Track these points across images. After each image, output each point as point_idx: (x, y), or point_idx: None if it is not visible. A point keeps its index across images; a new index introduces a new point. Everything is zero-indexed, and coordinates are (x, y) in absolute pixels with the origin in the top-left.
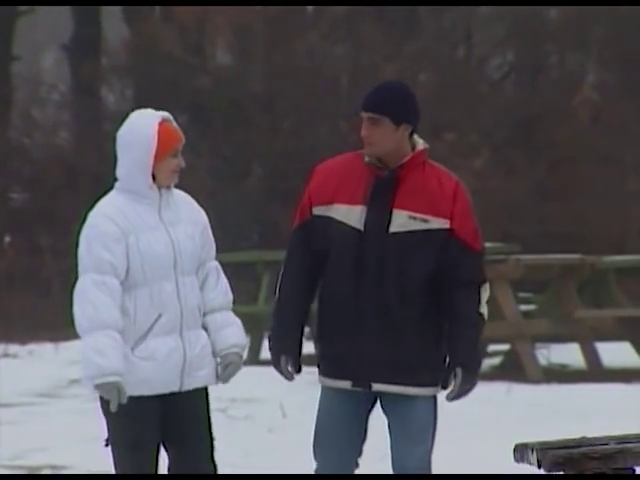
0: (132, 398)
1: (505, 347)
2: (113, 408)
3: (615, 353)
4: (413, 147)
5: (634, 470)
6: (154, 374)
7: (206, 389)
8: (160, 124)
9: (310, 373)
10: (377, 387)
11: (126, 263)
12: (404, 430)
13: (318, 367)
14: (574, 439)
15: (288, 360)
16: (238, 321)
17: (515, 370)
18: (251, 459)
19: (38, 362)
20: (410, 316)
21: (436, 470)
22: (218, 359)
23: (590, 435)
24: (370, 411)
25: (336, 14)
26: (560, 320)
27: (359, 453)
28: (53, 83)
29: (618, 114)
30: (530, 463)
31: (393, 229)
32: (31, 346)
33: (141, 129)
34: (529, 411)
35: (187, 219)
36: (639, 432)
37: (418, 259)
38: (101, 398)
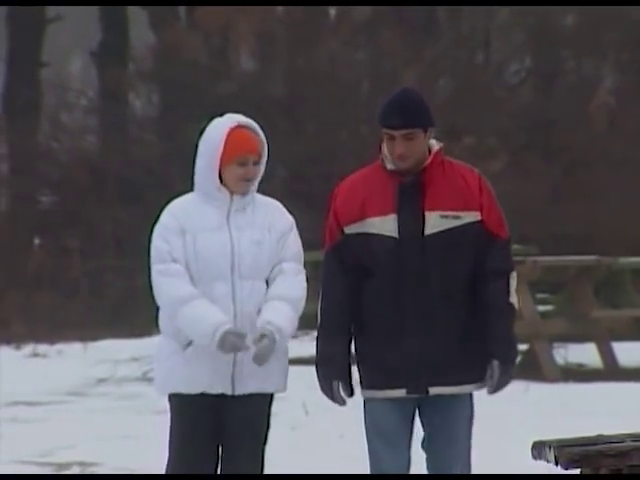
0: (181, 395)
1: (523, 347)
2: (244, 350)
3: (631, 353)
4: (429, 149)
5: None
6: (201, 374)
7: (266, 396)
8: (232, 129)
9: None
10: (434, 391)
11: (183, 257)
12: (446, 432)
13: (361, 382)
14: (590, 437)
15: (340, 385)
16: (289, 311)
17: (533, 369)
18: (274, 456)
19: (66, 361)
20: (455, 315)
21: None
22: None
23: (606, 433)
24: (413, 415)
25: (357, 20)
26: (577, 320)
27: (410, 450)
28: (81, 88)
29: (633, 118)
30: (547, 460)
31: (428, 231)
32: (59, 346)
33: (212, 133)
34: (546, 409)
35: (261, 224)
36: None
37: (458, 256)
38: (169, 398)
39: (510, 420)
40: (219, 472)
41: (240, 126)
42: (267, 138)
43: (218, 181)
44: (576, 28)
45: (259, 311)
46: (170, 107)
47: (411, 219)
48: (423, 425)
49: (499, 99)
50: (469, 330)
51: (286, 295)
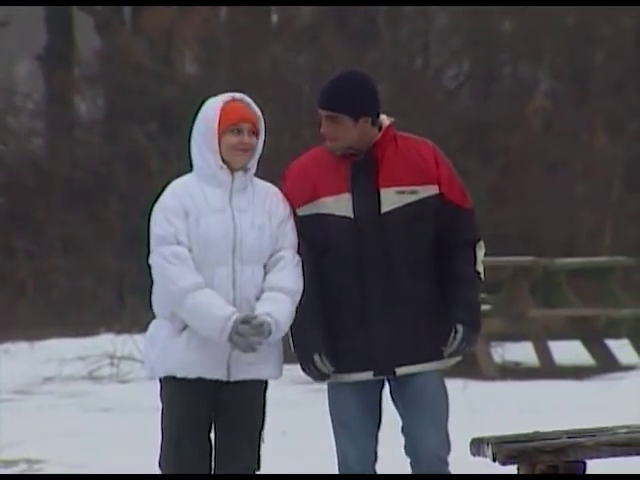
0: (176, 380)
1: None
2: (258, 343)
3: (566, 351)
4: (380, 127)
5: (585, 463)
6: (198, 359)
7: (262, 382)
8: (226, 103)
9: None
10: (401, 371)
11: (187, 239)
12: (420, 410)
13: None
14: (528, 433)
15: (322, 356)
16: (289, 305)
17: (471, 367)
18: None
19: (13, 360)
20: (420, 291)
21: (393, 464)
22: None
23: (543, 429)
24: (381, 397)
25: (298, 25)
26: (513, 319)
27: (376, 442)
28: (27, 92)
29: (568, 122)
30: (485, 456)
31: (385, 209)
32: (6, 345)
33: (207, 110)
34: (484, 406)
35: (261, 209)
36: (590, 427)
37: (418, 232)
38: (160, 381)
39: (449, 417)
40: (214, 459)
41: (234, 99)
42: None
43: (219, 159)
44: (513, 33)
45: (257, 297)
46: (115, 110)
47: (366, 198)
48: (397, 409)
49: (437, 103)
50: (435, 304)
51: (287, 287)
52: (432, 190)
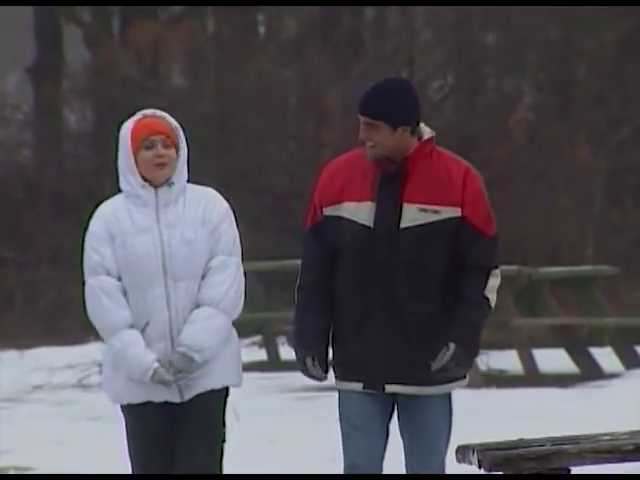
0: (128, 405)
1: None
2: (173, 382)
3: (550, 359)
4: (420, 137)
5: (569, 470)
6: (142, 383)
7: (218, 392)
8: (136, 121)
9: (261, 379)
10: (391, 389)
11: (115, 265)
12: (419, 438)
13: (333, 370)
14: (512, 441)
15: (315, 361)
16: (206, 320)
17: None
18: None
19: (2, 368)
20: (425, 312)
21: (394, 464)
22: None
23: (527, 437)
24: (390, 415)
25: (284, 38)
26: (498, 328)
27: (382, 456)
28: (16, 104)
29: (551, 134)
30: (471, 463)
31: (404, 224)
32: None
33: (121, 132)
34: (470, 414)
35: (192, 220)
36: (574, 434)
37: (431, 252)
38: (121, 407)
39: None
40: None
41: (145, 116)
42: (197, 153)
43: (140, 178)
44: (497, 46)
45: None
46: (103, 122)
47: (388, 209)
48: (400, 428)
49: (422, 115)
50: (437, 329)
51: (207, 298)
52: (454, 212)
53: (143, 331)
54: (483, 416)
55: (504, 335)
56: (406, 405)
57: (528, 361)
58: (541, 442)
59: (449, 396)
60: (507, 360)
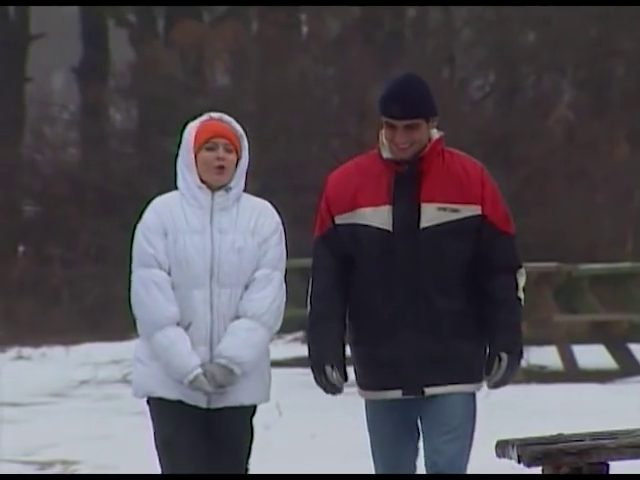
0: (161, 399)
1: None
2: (216, 391)
3: (590, 355)
4: (429, 138)
5: (608, 465)
6: (177, 381)
7: (247, 409)
8: (203, 121)
9: (303, 374)
10: (430, 391)
11: (167, 260)
12: (438, 425)
13: (357, 380)
14: (552, 436)
15: (334, 369)
16: (247, 333)
17: None
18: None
19: (49, 364)
20: (453, 310)
21: (422, 468)
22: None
23: (566, 432)
24: (418, 413)
25: (327, 38)
26: (538, 324)
27: (416, 454)
28: (63, 103)
29: (589, 132)
30: (511, 458)
31: (424, 224)
32: (43, 349)
33: (186, 131)
34: (510, 410)
35: (244, 229)
36: (612, 429)
37: (454, 251)
38: (147, 401)
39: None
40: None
41: (211, 118)
42: None
43: (198, 179)
44: (536, 46)
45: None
46: (148, 121)
47: (406, 211)
48: (421, 426)
49: (462, 114)
50: (467, 325)
51: (249, 311)
52: (474, 210)
53: (187, 330)
54: (523, 411)
55: (544, 331)
56: (428, 406)
57: (568, 357)
58: (580, 437)
59: (474, 393)
60: (547, 356)
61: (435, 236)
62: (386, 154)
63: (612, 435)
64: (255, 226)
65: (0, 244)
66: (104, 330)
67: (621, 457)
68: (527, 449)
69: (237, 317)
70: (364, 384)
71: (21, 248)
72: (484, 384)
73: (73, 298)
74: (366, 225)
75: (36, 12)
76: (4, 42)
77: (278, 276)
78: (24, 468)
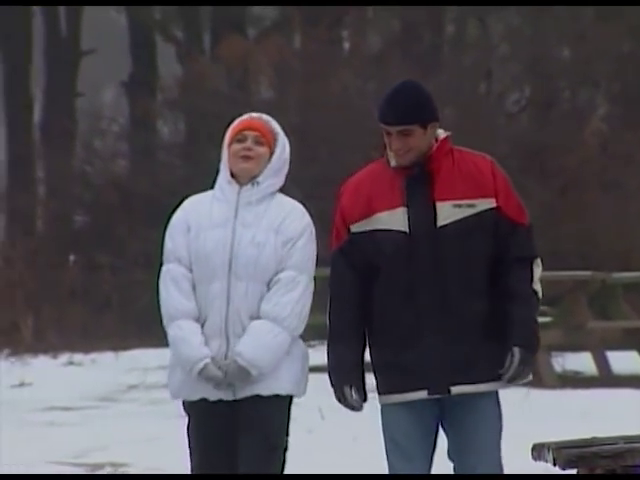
0: (186, 402)
1: None
2: (220, 387)
3: (623, 361)
4: (435, 138)
5: None
6: (196, 380)
7: (279, 398)
8: (240, 119)
9: None
10: (456, 390)
11: (187, 255)
12: (473, 437)
13: (378, 388)
14: (586, 439)
15: (353, 389)
16: (268, 336)
17: (533, 376)
18: (292, 457)
19: (99, 369)
20: (477, 307)
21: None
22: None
23: (601, 435)
24: (437, 425)
25: (368, 53)
26: (573, 331)
27: (431, 463)
28: (113, 117)
29: (623, 144)
30: (546, 461)
31: (441, 222)
32: (93, 355)
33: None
34: (546, 414)
35: (267, 226)
36: None
37: (474, 246)
38: (183, 403)
39: (512, 424)
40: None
41: (250, 117)
42: None
43: (228, 173)
44: (571, 61)
45: (251, 316)
46: (194, 134)
47: (422, 211)
48: (446, 432)
49: (499, 126)
50: (493, 322)
51: (272, 313)
52: (489, 203)
53: (203, 326)
54: (558, 415)
55: (579, 337)
56: (453, 407)
57: (602, 363)
58: (614, 440)
59: (496, 393)
60: (581, 362)
61: (455, 234)
62: (393, 162)
63: None
64: (281, 225)
65: (52, 253)
66: (152, 336)
67: None
68: (562, 452)
69: (258, 317)
70: (386, 389)
71: (72, 257)
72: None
73: (122, 305)
74: (384, 230)
75: (87, 28)
76: (56, 58)
77: (305, 280)
78: (75, 470)
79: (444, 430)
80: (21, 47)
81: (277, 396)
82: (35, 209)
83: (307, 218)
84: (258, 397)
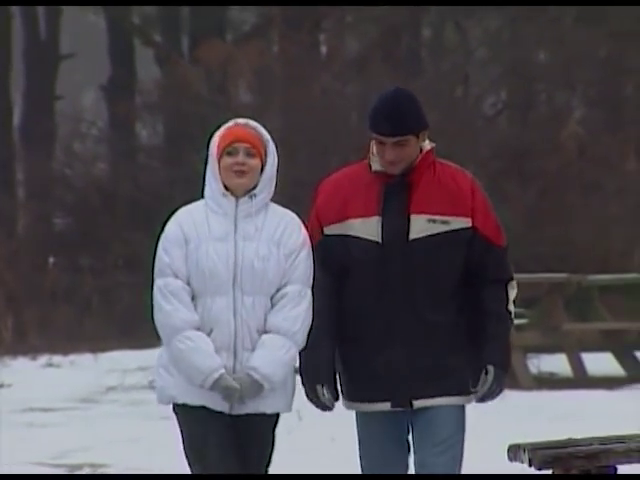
0: (186, 406)
1: None
2: (231, 400)
3: (599, 363)
4: (420, 148)
5: (616, 468)
6: (200, 388)
7: (269, 417)
8: (227, 127)
9: None
10: (418, 404)
11: (185, 268)
12: (429, 438)
13: (342, 392)
14: (562, 440)
15: (325, 388)
16: (282, 349)
17: (509, 378)
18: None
19: (79, 371)
20: (443, 322)
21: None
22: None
23: (576, 436)
24: (409, 425)
25: (346, 56)
26: (549, 332)
27: (407, 467)
28: (92, 119)
29: (601, 147)
30: (522, 462)
31: (413, 235)
32: (72, 356)
33: (213, 139)
34: (521, 415)
35: (268, 238)
36: (620, 433)
37: (444, 263)
38: (173, 408)
39: (488, 425)
40: None
41: (236, 124)
42: None
43: (222, 185)
44: (548, 65)
45: (259, 329)
46: (174, 136)
47: (396, 222)
48: (412, 429)
49: (477, 129)
50: (458, 337)
51: (284, 329)
52: (464, 222)
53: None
54: (534, 416)
55: (554, 339)
56: (418, 419)
57: (577, 364)
58: (589, 441)
59: (463, 405)
60: (557, 363)
61: (425, 248)
62: (375, 166)
63: (620, 439)
64: (281, 237)
65: (33, 255)
66: (132, 338)
67: (629, 461)
68: (538, 453)
69: (266, 331)
70: (351, 396)
71: (52, 259)
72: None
73: (103, 307)
74: (355, 237)
75: (66, 32)
76: (36, 62)
77: (309, 293)
78: (54, 470)
79: (411, 427)
80: (0, 51)
81: (268, 414)
82: (16, 211)
83: (304, 230)
84: (252, 415)
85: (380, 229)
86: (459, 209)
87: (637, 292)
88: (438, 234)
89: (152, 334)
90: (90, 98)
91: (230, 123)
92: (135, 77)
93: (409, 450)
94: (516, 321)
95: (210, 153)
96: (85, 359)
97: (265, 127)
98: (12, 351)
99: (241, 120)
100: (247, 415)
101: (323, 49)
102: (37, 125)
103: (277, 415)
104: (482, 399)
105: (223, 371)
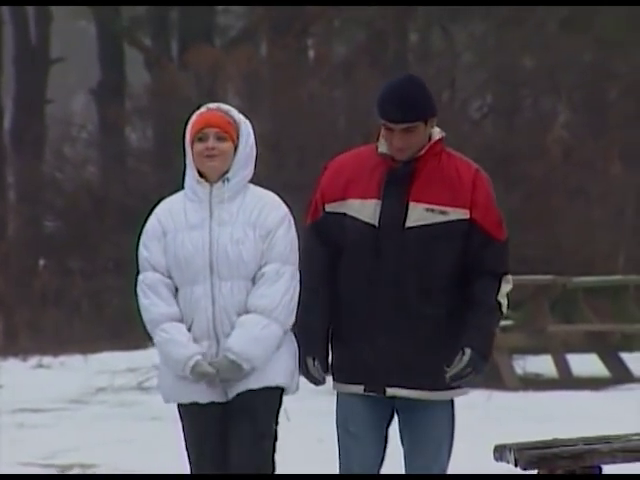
0: (180, 405)
1: None
2: (213, 385)
3: (583, 364)
4: (429, 136)
5: (601, 468)
6: (187, 384)
7: (268, 390)
8: (197, 114)
9: None
10: (392, 391)
11: (164, 261)
12: (420, 445)
13: (332, 373)
14: (547, 440)
15: (316, 361)
16: (256, 328)
17: (495, 379)
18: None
19: (69, 372)
20: (430, 315)
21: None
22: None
23: (561, 437)
24: (389, 421)
25: (334, 61)
26: (534, 334)
27: (381, 461)
28: (82, 123)
29: (585, 152)
30: (508, 462)
31: (409, 223)
32: (62, 358)
33: (187, 126)
34: (507, 415)
35: (244, 221)
36: (605, 434)
37: (438, 253)
38: (178, 406)
39: (474, 425)
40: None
41: (208, 110)
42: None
43: (196, 172)
44: (533, 70)
45: (240, 313)
46: (163, 140)
47: (393, 208)
48: (400, 432)
49: (463, 133)
50: (446, 332)
51: (260, 306)
52: (462, 214)
53: (190, 329)
54: (519, 417)
55: (540, 341)
56: (406, 411)
57: (562, 365)
58: (574, 442)
59: (451, 404)
60: (542, 364)
61: (420, 237)
62: (382, 148)
63: (605, 440)
64: (257, 218)
65: (23, 257)
66: (121, 339)
67: (613, 461)
68: (523, 453)
69: (246, 312)
70: (335, 375)
71: (42, 262)
72: (461, 392)
73: (93, 309)
74: (352, 217)
75: (56, 37)
76: (26, 66)
77: (289, 270)
78: (44, 471)
79: (399, 430)
80: None
81: (266, 388)
82: (6, 214)
83: (284, 208)
84: (249, 391)
85: (378, 213)
86: (458, 200)
87: (621, 294)
88: (435, 224)
89: (141, 336)
90: (80, 102)
91: (202, 109)
92: (125, 81)
93: (386, 441)
94: (502, 323)
95: (186, 141)
96: (75, 360)
97: (254, 129)
98: (2, 352)
99: (212, 105)
100: (238, 395)
101: (311, 54)
102: (27, 129)
103: (276, 391)
104: (452, 379)
105: (198, 357)
